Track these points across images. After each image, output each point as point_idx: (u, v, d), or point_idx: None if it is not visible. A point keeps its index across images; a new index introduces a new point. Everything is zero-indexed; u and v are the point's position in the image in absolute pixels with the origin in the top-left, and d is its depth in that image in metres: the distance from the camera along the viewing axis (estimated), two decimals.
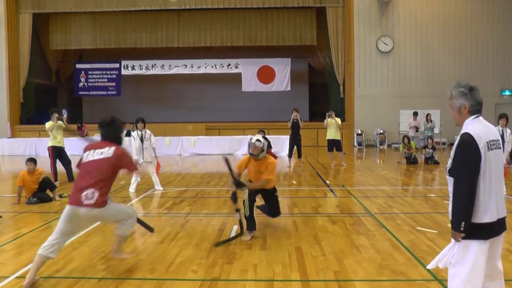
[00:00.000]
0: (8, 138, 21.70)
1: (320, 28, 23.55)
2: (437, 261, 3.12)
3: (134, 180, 9.89)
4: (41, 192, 8.76)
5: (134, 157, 9.59)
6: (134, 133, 10.03)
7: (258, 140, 6.28)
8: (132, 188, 9.83)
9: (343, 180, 11.23)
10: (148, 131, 10.08)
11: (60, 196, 9.07)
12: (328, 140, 14.18)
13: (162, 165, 15.94)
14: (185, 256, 5.32)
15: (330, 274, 4.60)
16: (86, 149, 4.79)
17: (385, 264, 4.87)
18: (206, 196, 9.49)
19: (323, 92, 25.24)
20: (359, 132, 21.70)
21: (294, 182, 11.18)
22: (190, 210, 7.99)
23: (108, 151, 4.66)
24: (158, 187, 10.16)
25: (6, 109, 23.45)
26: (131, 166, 4.81)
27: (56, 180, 10.81)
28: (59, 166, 11.24)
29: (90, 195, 4.47)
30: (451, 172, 3.03)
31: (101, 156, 4.64)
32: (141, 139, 9.91)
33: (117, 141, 4.85)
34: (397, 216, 7.15)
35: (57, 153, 11.10)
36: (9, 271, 4.89)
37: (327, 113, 14.27)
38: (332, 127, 14.04)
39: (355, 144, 21.65)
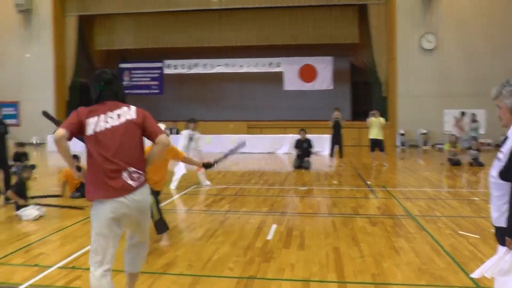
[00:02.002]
0: None
1: (362, 26, 23.16)
2: (484, 270, 2.92)
3: (177, 177, 10.05)
4: (84, 187, 9.06)
5: None
6: (185, 132, 10.14)
7: None
8: (173, 185, 10.00)
9: (384, 181, 11.04)
10: (197, 133, 10.21)
11: None
12: (371, 139, 13.98)
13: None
14: (222, 253, 5.39)
15: (368, 277, 4.54)
16: (83, 114, 3.42)
17: (425, 268, 4.77)
18: (246, 194, 9.55)
19: (365, 91, 24.86)
20: (402, 132, 21.26)
21: (335, 182, 11.08)
22: (229, 208, 8.07)
23: (129, 112, 3.47)
24: (206, 182, 10.30)
25: (52, 107, 24.42)
26: (159, 130, 3.50)
27: None
28: None
29: (135, 175, 3.36)
30: (502, 175, 2.80)
31: (122, 120, 3.41)
32: (191, 139, 10.04)
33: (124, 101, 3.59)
34: (438, 219, 6.98)
35: None
36: (52, 261, 5.11)
37: (370, 112, 14.07)
38: (375, 127, 13.83)
39: (398, 144, 21.23)
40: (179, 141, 10.18)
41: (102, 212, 3.35)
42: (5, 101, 24.73)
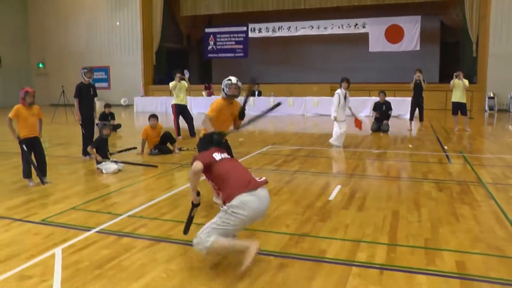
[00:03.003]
0: (141, 96, 24.04)
1: None
2: None
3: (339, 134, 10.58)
4: (162, 144, 9.69)
5: (334, 114, 10.51)
6: (339, 91, 10.46)
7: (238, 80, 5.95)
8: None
9: (462, 146, 10.54)
10: (347, 92, 10.57)
11: (180, 149, 9.92)
12: (453, 102, 13.33)
13: (286, 124, 16.40)
14: (283, 210, 5.57)
15: (420, 241, 4.51)
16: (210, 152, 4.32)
17: (482, 237, 4.61)
18: (318, 155, 9.61)
19: (455, 51, 23.31)
20: (491, 95, 19.86)
21: (410, 146, 10.79)
22: (299, 168, 8.20)
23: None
24: (338, 143, 10.60)
25: (140, 71, 25.84)
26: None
27: (179, 135, 11.78)
28: (182, 123, 12.19)
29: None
30: None
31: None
32: (344, 98, 10.40)
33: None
34: (511, 187, 6.63)
35: (180, 110, 12.05)
36: (123, 210, 5.64)
37: (454, 74, 13.34)
38: (458, 89, 13.15)
39: (486, 108, 19.92)
40: (333, 100, 10.60)
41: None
42: (96, 66, 26.61)
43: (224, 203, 3.98)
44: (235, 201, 3.87)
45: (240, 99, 6.15)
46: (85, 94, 9.17)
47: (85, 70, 9.21)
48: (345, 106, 10.53)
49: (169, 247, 4.40)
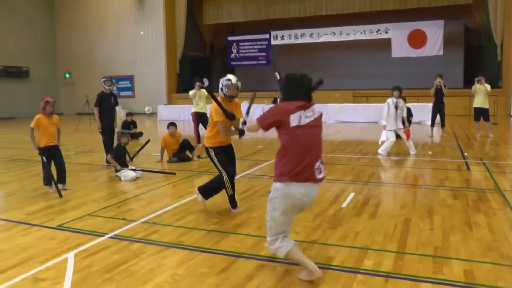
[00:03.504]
0: (164, 105, 24.36)
1: None
2: None
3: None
4: (181, 152, 9.82)
5: (384, 122, 10.27)
6: (389, 100, 10.26)
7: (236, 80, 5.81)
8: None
9: (483, 153, 10.34)
10: (401, 101, 10.32)
11: (198, 157, 10.04)
12: (475, 108, 13.13)
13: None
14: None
15: (430, 250, 4.46)
16: (286, 110, 3.72)
17: (494, 245, 4.53)
18: (336, 162, 9.58)
19: (479, 55, 22.91)
20: None
21: (430, 152, 10.66)
22: None
23: (315, 110, 3.86)
24: (412, 151, 10.39)
25: (164, 80, 26.24)
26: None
27: (198, 143, 11.91)
28: (202, 130, 12.31)
29: (321, 167, 3.79)
30: None
31: (315, 116, 3.82)
32: (396, 107, 10.20)
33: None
34: None
35: (200, 118, 12.18)
36: (137, 216, 5.77)
37: (476, 79, 13.14)
38: (480, 94, 12.93)
39: (511, 113, 19.48)
40: (384, 109, 10.35)
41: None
42: (121, 75, 27.22)
43: None
44: None
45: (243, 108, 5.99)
46: (106, 103, 9.36)
47: (104, 79, 9.41)
48: (396, 115, 10.15)
49: (179, 252, 4.48)
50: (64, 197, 6.87)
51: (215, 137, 5.71)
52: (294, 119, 3.67)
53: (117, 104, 9.65)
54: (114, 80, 9.96)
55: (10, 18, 27.23)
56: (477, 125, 13.13)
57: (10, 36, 27.20)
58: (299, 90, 3.80)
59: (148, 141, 10.50)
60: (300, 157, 3.68)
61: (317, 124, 3.82)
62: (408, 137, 10.45)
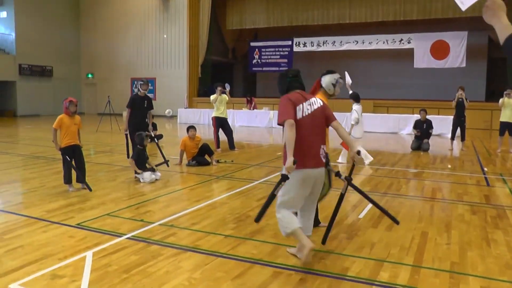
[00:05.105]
0: (185, 108, 24.58)
1: None
2: None
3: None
4: (200, 156, 9.87)
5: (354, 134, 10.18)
6: (357, 107, 10.23)
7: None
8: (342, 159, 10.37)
9: (504, 169, 10.19)
10: (355, 106, 10.30)
11: (217, 161, 10.09)
12: (502, 122, 12.82)
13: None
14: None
15: (446, 264, 4.43)
16: (294, 101, 4.23)
17: None
18: (355, 173, 9.37)
19: (503, 68, 22.64)
20: None
21: (449, 166, 10.55)
22: (332, 185, 8.15)
23: (317, 101, 4.39)
24: (367, 161, 10.35)
25: (185, 83, 26.47)
26: (332, 116, 4.41)
27: (218, 147, 11.97)
28: (222, 135, 12.39)
29: (324, 153, 4.36)
30: None
31: (315, 107, 4.32)
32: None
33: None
34: None
35: (220, 123, 12.23)
36: (155, 219, 5.83)
37: (504, 92, 12.90)
38: (508, 108, 12.65)
39: None
40: (352, 115, 10.36)
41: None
42: (143, 78, 27.53)
43: None
44: None
45: None
46: (138, 105, 9.14)
47: (141, 83, 9.33)
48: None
49: (195, 256, 4.52)
50: (83, 196, 6.99)
51: None
52: (299, 111, 4.22)
53: (151, 107, 9.36)
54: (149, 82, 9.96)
55: (35, 17, 27.79)
56: (500, 140, 12.92)
57: (35, 35, 27.75)
58: (287, 80, 4.47)
59: (168, 161, 9.73)
60: (307, 146, 4.20)
61: (318, 114, 4.32)
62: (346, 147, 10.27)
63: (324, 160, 4.34)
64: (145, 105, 9.23)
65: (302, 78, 4.54)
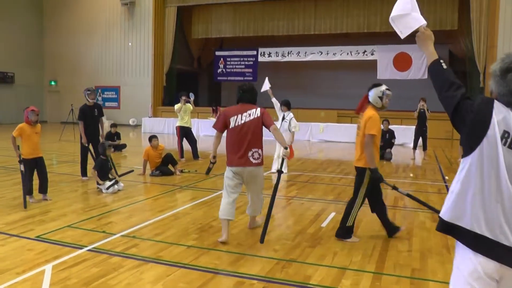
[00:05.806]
0: (149, 117, 24.35)
1: (463, 11, 21.72)
2: None
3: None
4: (164, 166, 9.77)
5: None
6: (291, 114, 10.05)
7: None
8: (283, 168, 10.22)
9: None
10: (290, 114, 10.03)
11: (181, 171, 10.00)
12: None
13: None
14: (274, 236, 5.62)
15: (407, 271, 4.53)
16: (228, 114, 5.27)
17: None
18: (318, 182, 9.65)
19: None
20: None
21: (411, 175, 10.81)
22: (296, 194, 8.26)
23: (256, 112, 5.25)
24: (285, 170, 10.32)
25: (150, 92, 26.24)
26: (270, 122, 5.27)
27: (182, 157, 11.88)
28: (186, 145, 12.31)
29: (256, 155, 5.21)
30: None
31: (252, 118, 5.22)
32: (282, 119, 10.02)
33: (255, 103, 5.44)
34: None
35: (184, 132, 12.15)
36: (117, 230, 5.74)
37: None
38: None
39: None
40: (292, 123, 10.02)
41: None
42: (107, 86, 27.18)
43: None
44: None
45: None
46: (90, 115, 9.07)
47: (88, 92, 9.17)
48: (284, 129, 9.87)
49: (157, 267, 4.47)
50: (43, 207, 6.81)
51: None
52: (232, 122, 5.23)
53: (102, 114, 9.31)
54: (96, 92, 9.75)
55: None
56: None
57: None
58: (238, 94, 5.42)
59: (132, 171, 9.40)
60: (234, 149, 5.23)
61: (252, 123, 5.21)
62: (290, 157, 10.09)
63: (254, 162, 5.21)
64: (96, 114, 9.17)
65: (255, 92, 5.44)
